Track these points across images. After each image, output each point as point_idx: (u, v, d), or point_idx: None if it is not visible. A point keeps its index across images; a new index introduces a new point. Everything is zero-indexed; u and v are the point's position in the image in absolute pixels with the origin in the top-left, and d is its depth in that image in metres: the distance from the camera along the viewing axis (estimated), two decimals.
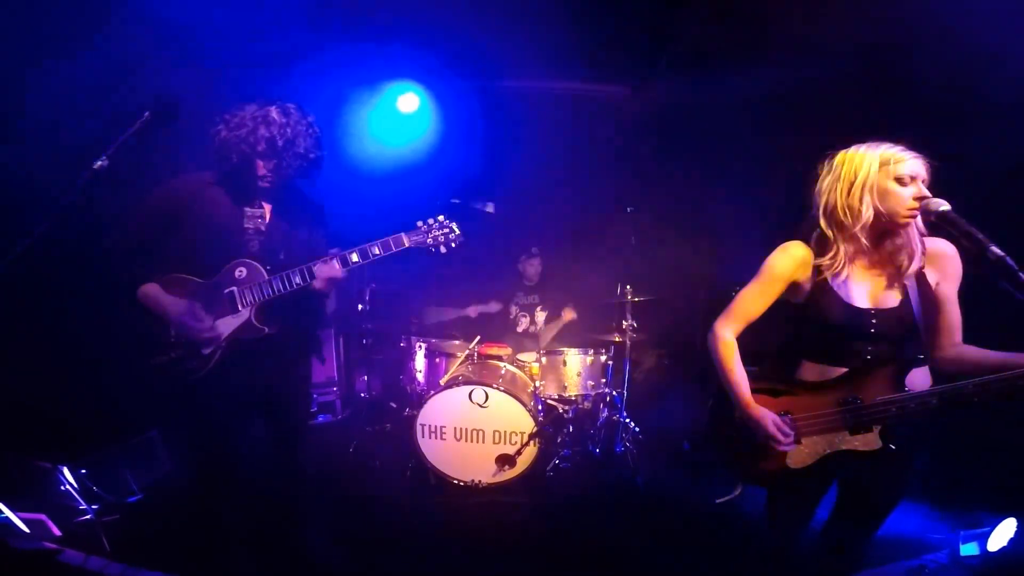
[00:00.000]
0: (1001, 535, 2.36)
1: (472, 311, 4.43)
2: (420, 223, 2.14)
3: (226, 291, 1.98)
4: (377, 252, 2.06)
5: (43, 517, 2.35)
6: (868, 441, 1.65)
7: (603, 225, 4.41)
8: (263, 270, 2.01)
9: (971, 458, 2.88)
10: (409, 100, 4.41)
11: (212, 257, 2.00)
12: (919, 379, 1.69)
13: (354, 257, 2.05)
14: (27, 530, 2.24)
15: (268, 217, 2.07)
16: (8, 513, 2.23)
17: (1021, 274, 1.33)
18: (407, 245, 2.10)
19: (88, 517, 2.56)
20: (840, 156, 1.70)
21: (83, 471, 2.65)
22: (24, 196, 2.45)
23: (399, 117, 4.46)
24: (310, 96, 3.78)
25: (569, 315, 4.38)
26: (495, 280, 4.57)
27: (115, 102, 2.50)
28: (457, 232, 2.15)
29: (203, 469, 2.14)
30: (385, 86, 4.36)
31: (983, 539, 2.39)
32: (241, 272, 2.00)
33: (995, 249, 1.37)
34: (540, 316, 4.41)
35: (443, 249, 2.14)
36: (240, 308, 1.99)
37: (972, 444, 2.79)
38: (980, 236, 1.41)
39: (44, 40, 2.59)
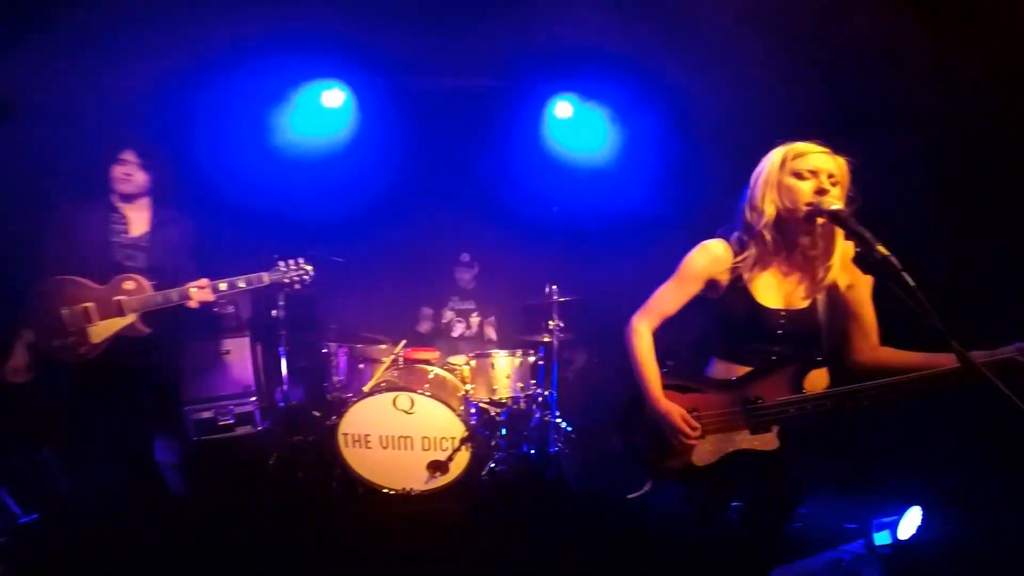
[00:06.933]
0: (909, 523, 2.45)
1: (424, 327, 4.32)
2: (281, 263, 2.58)
3: (115, 299, 2.38)
4: (242, 286, 2.50)
5: None
6: (767, 441, 1.66)
7: (533, 225, 4.38)
8: (149, 286, 2.42)
9: (877, 447, 3.02)
10: (333, 96, 4.23)
11: (101, 265, 2.40)
12: (818, 381, 1.68)
13: (222, 286, 2.46)
14: None
15: (145, 228, 2.52)
16: None
17: (905, 274, 1.30)
18: (266, 283, 2.54)
19: None
20: None
21: None
22: None
23: (321, 112, 4.27)
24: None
25: (490, 331, 4.34)
26: (427, 285, 4.46)
27: None
28: (311, 273, 2.63)
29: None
30: (309, 83, 4.18)
31: (893, 527, 2.46)
32: (130, 284, 2.40)
33: (880, 248, 1.37)
34: (475, 320, 4.30)
35: (297, 286, 2.62)
36: (126, 313, 2.39)
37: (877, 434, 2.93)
38: (868, 236, 1.41)
39: None
